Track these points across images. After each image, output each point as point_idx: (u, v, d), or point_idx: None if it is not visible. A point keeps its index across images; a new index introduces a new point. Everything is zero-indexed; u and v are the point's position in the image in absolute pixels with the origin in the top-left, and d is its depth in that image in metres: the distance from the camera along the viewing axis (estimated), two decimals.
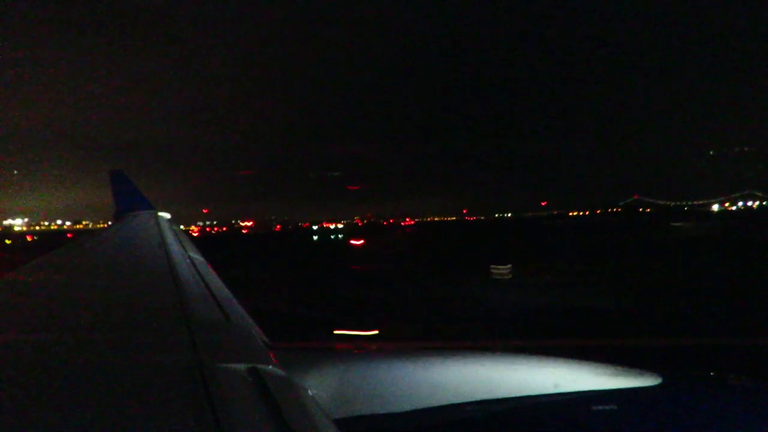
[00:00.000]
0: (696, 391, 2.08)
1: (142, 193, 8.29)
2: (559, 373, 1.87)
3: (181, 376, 1.04)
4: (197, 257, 3.29)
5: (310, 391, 1.44)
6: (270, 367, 1.18)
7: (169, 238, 4.11)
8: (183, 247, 3.67)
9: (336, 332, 13.44)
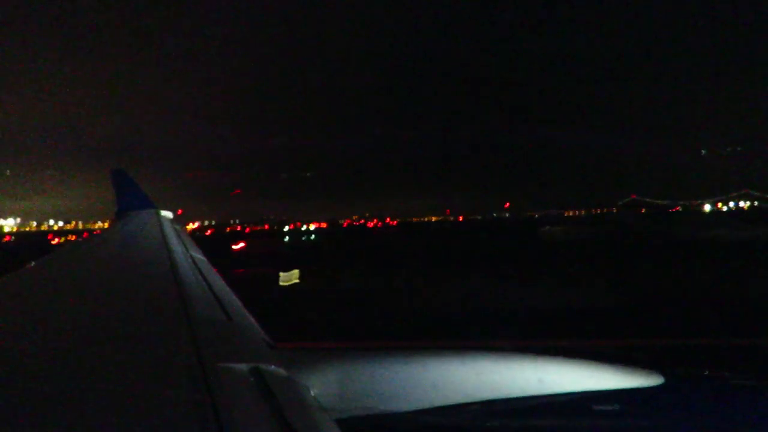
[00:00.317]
0: (698, 391, 2.07)
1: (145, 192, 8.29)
2: (560, 373, 1.87)
3: (183, 375, 1.04)
4: (199, 256, 3.29)
5: (312, 391, 1.44)
6: (272, 366, 1.18)
7: (171, 237, 4.11)
8: (185, 246, 3.67)
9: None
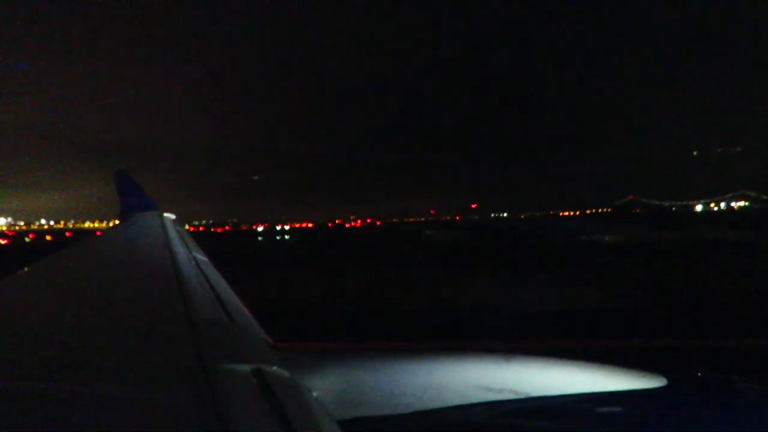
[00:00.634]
0: (701, 394, 2.07)
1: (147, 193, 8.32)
2: (563, 375, 1.86)
3: (185, 376, 1.04)
4: (201, 258, 3.30)
5: (314, 392, 1.44)
6: (274, 367, 1.18)
7: (174, 238, 4.12)
8: (187, 247, 3.68)
9: None
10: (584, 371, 1.90)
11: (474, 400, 1.75)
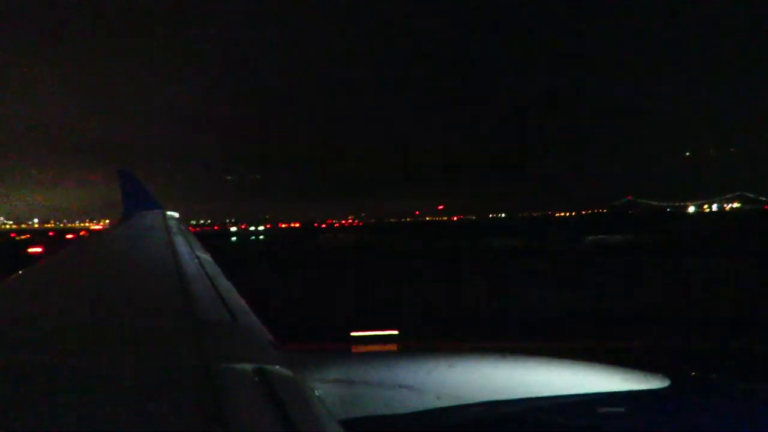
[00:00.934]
0: (704, 395, 2.06)
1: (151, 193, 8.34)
2: (566, 375, 1.86)
3: (188, 375, 1.04)
4: (205, 256, 3.30)
5: (316, 392, 1.44)
6: (276, 367, 1.18)
7: (177, 237, 4.13)
8: (190, 246, 3.68)
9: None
10: (586, 371, 1.90)
11: (474, 400, 1.75)
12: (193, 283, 2.08)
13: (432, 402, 1.72)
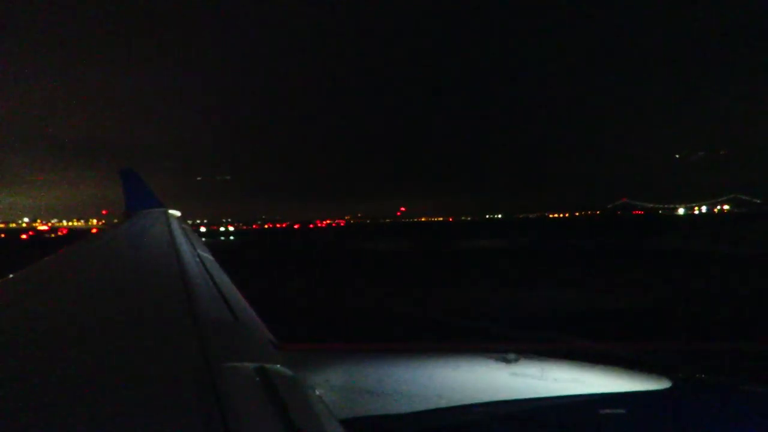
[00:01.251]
0: (705, 396, 2.06)
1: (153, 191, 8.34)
2: (566, 376, 1.86)
3: (189, 375, 1.05)
4: (206, 256, 3.31)
5: (317, 391, 1.45)
6: (277, 366, 1.18)
7: (179, 236, 4.13)
8: (192, 245, 3.69)
9: None
10: (587, 372, 1.90)
11: (476, 400, 1.75)
12: (194, 282, 2.09)
13: (432, 402, 1.72)
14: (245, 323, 1.69)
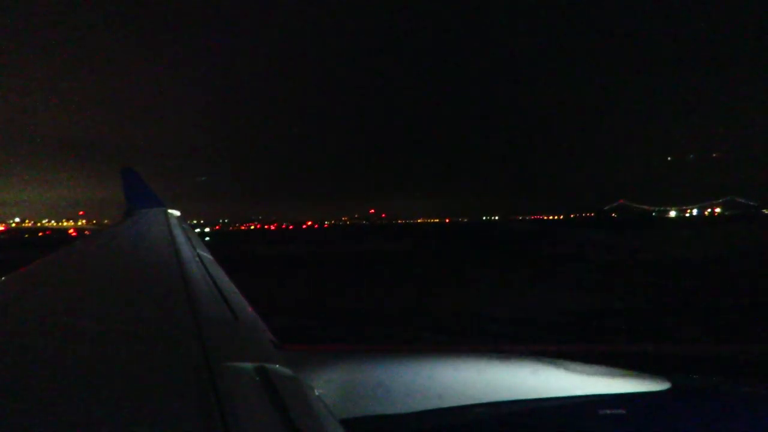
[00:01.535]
0: (705, 397, 2.05)
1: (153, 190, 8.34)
2: (566, 376, 1.86)
3: (189, 374, 1.05)
4: (206, 255, 3.30)
5: (317, 391, 1.45)
6: (277, 366, 1.18)
7: (179, 235, 4.13)
8: (192, 245, 3.69)
9: None
10: (587, 373, 1.90)
11: (476, 401, 1.75)
12: (194, 282, 2.09)
13: (433, 402, 1.72)
14: (245, 323, 1.69)
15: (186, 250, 3.24)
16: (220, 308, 1.76)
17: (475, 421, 1.73)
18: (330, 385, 1.64)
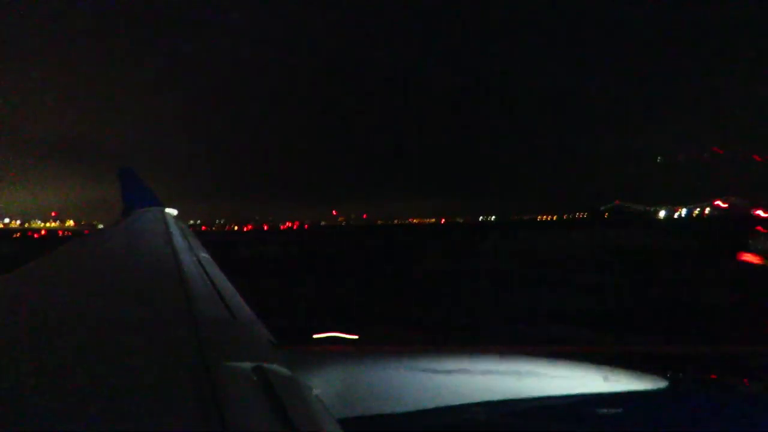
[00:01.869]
0: (702, 396, 2.06)
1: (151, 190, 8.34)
2: (564, 376, 1.86)
3: (187, 374, 1.04)
4: (204, 255, 3.30)
5: (314, 391, 1.44)
6: (275, 366, 1.18)
7: (176, 235, 4.13)
8: (190, 244, 3.68)
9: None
10: (585, 372, 1.90)
11: (474, 400, 1.75)
12: (192, 281, 2.08)
13: (430, 402, 1.72)
14: (243, 322, 1.69)
15: (183, 249, 3.23)
16: (217, 308, 1.76)
17: (473, 420, 1.73)
18: (328, 384, 1.64)
